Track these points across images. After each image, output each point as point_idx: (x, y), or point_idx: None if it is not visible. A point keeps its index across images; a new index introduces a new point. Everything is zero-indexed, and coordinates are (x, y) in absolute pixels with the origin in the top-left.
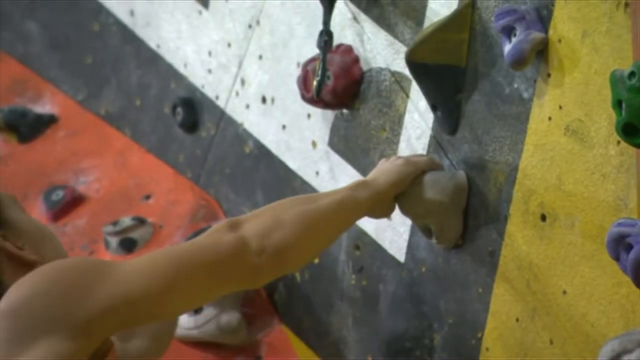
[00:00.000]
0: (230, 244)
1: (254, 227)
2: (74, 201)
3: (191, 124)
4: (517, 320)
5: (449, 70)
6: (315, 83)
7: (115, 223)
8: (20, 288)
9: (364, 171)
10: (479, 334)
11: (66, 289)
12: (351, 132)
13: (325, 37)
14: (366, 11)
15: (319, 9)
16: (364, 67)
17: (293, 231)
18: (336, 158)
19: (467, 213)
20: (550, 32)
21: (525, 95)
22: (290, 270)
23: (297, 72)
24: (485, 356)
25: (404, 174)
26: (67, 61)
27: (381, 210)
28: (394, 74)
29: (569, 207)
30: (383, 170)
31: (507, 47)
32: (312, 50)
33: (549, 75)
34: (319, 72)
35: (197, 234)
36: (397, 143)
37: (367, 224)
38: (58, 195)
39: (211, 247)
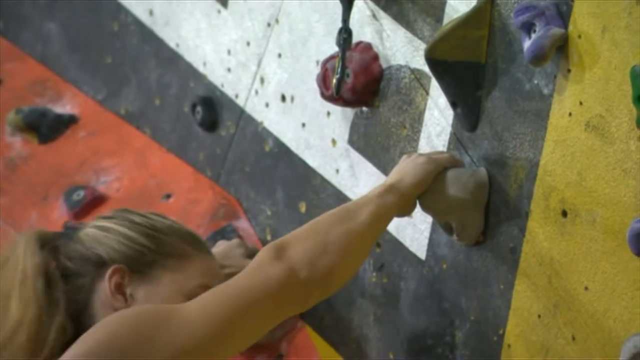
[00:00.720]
0: (280, 277)
1: (300, 255)
2: (95, 201)
3: (211, 123)
4: (539, 316)
5: (468, 67)
6: (334, 81)
7: None
8: (85, 341)
9: (384, 169)
10: (501, 330)
11: (127, 343)
12: (371, 130)
13: (345, 34)
14: (385, 8)
15: (337, 7)
16: (384, 65)
17: (339, 255)
18: (356, 156)
19: (488, 210)
20: (570, 27)
21: (546, 91)
22: (336, 290)
23: (316, 70)
24: (507, 353)
25: (427, 173)
26: (86, 61)
27: (405, 211)
28: (413, 71)
29: (590, 203)
30: (406, 170)
31: (527, 43)
32: (331, 48)
33: (569, 71)
34: (339, 70)
35: (217, 233)
36: (417, 140)
37: None
38: (79, 195)
39: (263, 283)
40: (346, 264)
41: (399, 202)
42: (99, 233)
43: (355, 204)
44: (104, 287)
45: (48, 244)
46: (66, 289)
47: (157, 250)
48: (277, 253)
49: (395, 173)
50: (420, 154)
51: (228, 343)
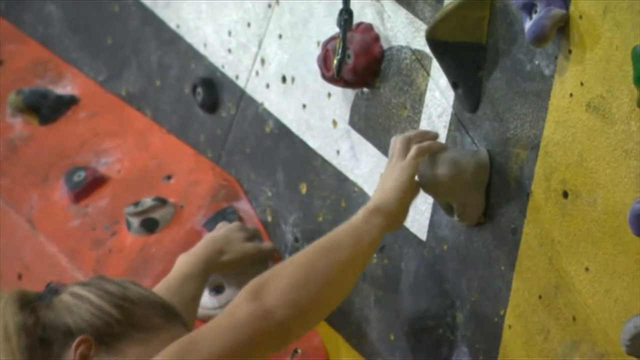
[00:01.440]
0: (253, 320)
1: (276, 295)
2: (96, 182)
3: (211, 104)
4: (540, 297)
5: (469, 48)
6: (335, 62)
7: (136, 204)
8: None
9: (385, 150)
10: (502, 311)
11: None
12: (372, 111)
13: (345, 15)
14: None
15: None
16: (384, 46)
17: (320, 292)
18: (357, 137)
19: (489, 191)
20: (571, 8)
21: (547, 72)
22: (318, 322)
23: (317, 51)
24: (507, 333)
25: (408, 181)
26: (87, 42)
27: (396, 226)
28: (414, 52)
29: (591, 184)
30: (388, 188)
31: (528, 24)
32: (332, 29)
33: (570, 51)
34: (339, 51)
35: (217, 214)
36: (418, 121)
37: None
38: (79, 176)
39: (236, 327)
40: (327, 299)
41: (386, 222)
42: (71, 301)
43: (339, 233)
44: (70, 357)
45: (28, 304)
46: (42, 353)
47: (126, 322)
48: (254, 293)
49: (378, 192)
50: (398, 158)
51: None
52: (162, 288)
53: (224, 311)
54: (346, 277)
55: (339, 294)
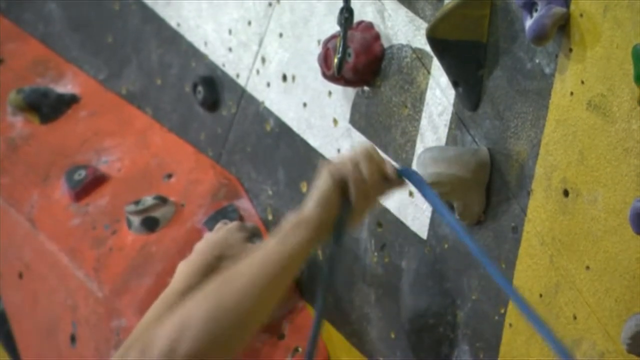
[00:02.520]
0: None
1: (159, 344)
2: (96, 181)
3: (212, 103)
4: (541, 295)
5: (470, 46)
6: (336, 60)
7: (137, 202)
8: None
9: (385, 148)
10: (502, 310)
11: None
12: (372, 110)
13: (346, 14)
14: None
15: None
16: (385, 44)
17: (206, 329)
18: (357, 135)
19: (489, 189)
20: (572, 6)
21: (547, 70)
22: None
23: (317, 49)
24: (508, 332)
25: (328, 188)
26: (88, 41)
27: (323, 235)
28: (415, 50)
29: (592, 182)
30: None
31: (529, 22)
32: (332, 27)
33: (570, 50)
34: (340, 50)
35: (218, 213)
36: (418, 120)
37: (389, 201)
38: (80, 174)
39: None
40: (222, 333)
41: (308, 233)
42: None
43: (244, 262)
44: None
45: None
46: None
47: None
48: (142, 350)
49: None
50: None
51: None
52: (163, 304)
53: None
54: (243, 306)
55: (241, 325)
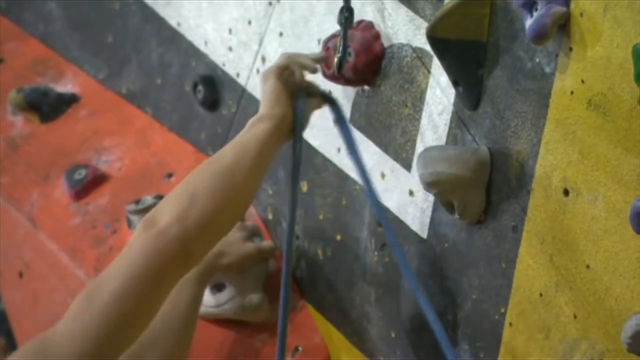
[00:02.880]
0: (149, 247)
1: (166, 217)
2: (96, 180)
3: (212, 102)
4: (541, 295)
5: (470, 46)
6: (336, 60)
7: (137, 201)
8: None
9: (385, 148)
10: (502, 309)
11: None
12: (372, 109)
13: (346, 13)
14: None
15: None
16: (385, 44)
17: (209, 200)
18: (357, 135)
19: (489, 188)
20: (572, 5)
21: (547, 69)
22: (223, 233)
23: (317, 49)
24: (508, 331)
25: (273, 86)
26: (87, 40)
27: (283, 127)
28: (415, 49)
29: (592, 182)
30: (262, 98)
31: (529, 22)
32: (332, 26)
33: (570, 49)
34: (340, 49)
35: None
36: (418, 119)
37: (389, 200)
38: (80, 174)
39: (131, 262)
40: (221, 206)
41: (269, 124)
42: None
43: (224, 147)
44: None
45: None
46: None
47: None
48: (145, 224)
49: (262, 102)
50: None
51: (110, 347)
52: None
53: (118, 258)
54: (235, 181)
55: (233, 200)
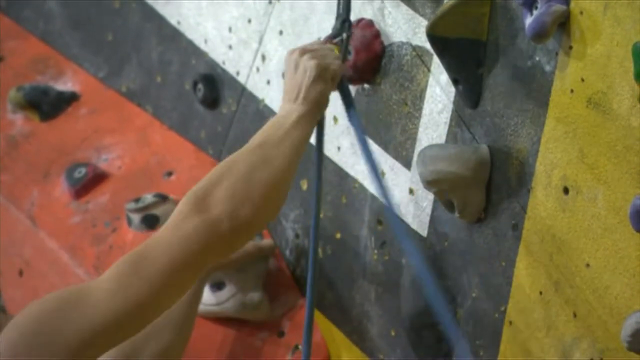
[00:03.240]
0: (200, 234)
1: (221, 206)
2: (96, 178)
3: (212, 100)
4: (541, 293)
5: (470, 44)
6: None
7: (137, 200)
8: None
9: (385, 146)
10: (503, 307)
11: (39, 335)
12: (372, 107)
13: (343, 25)
14: None
15: None
16: (385, 42)
17: (263, 202)
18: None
19: (489, 187)
20: (572, 4)
21: (547, 68)
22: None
23: None
24: (508, 329)
25: (320, 70)
26: (88, 39)
27: (321, 103)
28: (415, 48)
29: (592, 180)
30: (300, 84)
31: (528, 20)
32: (332, 25)
33: (570, 47)
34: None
35: None
36: (418, 117)
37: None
38: (80, 172)
39: (183, 243)
40: (270, 208)
41: (314, 120)
42: None
43: (273, 139)
44: None
45: None
46: None
47: None
48: (197, 205)
49: (292, 92)
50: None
51: (147, 313)
52: None
53: (168, 224)
54: (284, 187)
55: (278, 204)
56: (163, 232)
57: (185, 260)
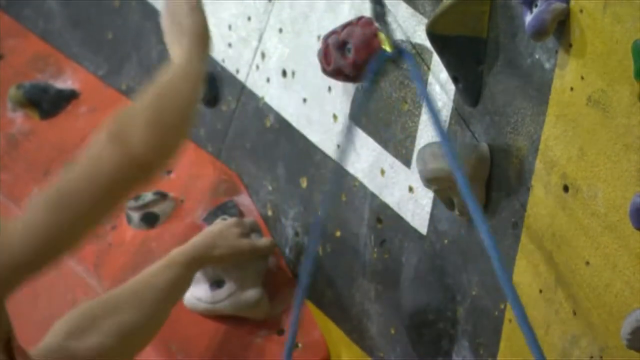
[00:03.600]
0: (120, 169)
1: (138, 139)
2: None
3: (212, 98)
4: (540, 291)
5: (470, 42)
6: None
7: (137, 198)
8: None
9: (385, 144)
10: (502, 305)
11: None
12: (372, 105)
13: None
14: None
15: None
16: None
17: (173, 125)
18: (357, 131)
19: (489, 185)
20: (572, 2)
21: (547, 66)
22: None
23: (317, 45)
24: (508, 327)
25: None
26: (87, 37)
27: (203, 43)
28: (414, 46)
29: (592, 178)
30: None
31: (528, 18)
32: (332, 23)
33: (570, 45)
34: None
35: (218, 208)
36: (418, 115)
37: (388, 196)
38: None
39: (104, 177)
40: (179, 129)
41: (196, 48)
42: None
43: (175, 77)
44: None
45: None
46: None
47: None
48: (115, 137)
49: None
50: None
51: (57, 247)
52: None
53: (87, 155)
54: (190, 105)
55: (188, 121)
56: (83, 167)
57: (103, 192)
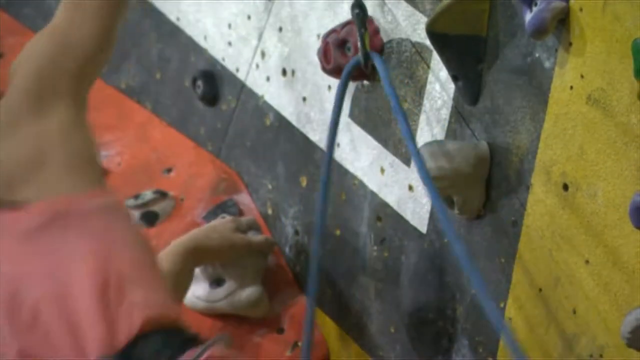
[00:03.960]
0: None
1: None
2: None
3: (212, 97)
4: (540, 290)
5: (469, 41)
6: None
7: (137, 196)
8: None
9: (385, 143)
10: (502, 304)
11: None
12: (372, 104)
13: (357, 10)
14: None
15: None
16: (385, 39)
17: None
18: (357, 130)
19: (489, 183)
20: (572, 0)
21: (547, 64)
22: None
23: (317, 44)
24: (508, 326)
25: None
26: None
27: None
28: (414, 44)
29: (591, 177)
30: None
31: (528, 17)
32: (332, 22)
33: (570, 44)
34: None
35: (218, 207)
36: (418, 114)
37: (388, 195)
38: None
39: None
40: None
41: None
42: None
43: None
44: None
45: None
46: None
47: None
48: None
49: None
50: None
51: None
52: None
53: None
54: None
55: None
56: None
57: None
